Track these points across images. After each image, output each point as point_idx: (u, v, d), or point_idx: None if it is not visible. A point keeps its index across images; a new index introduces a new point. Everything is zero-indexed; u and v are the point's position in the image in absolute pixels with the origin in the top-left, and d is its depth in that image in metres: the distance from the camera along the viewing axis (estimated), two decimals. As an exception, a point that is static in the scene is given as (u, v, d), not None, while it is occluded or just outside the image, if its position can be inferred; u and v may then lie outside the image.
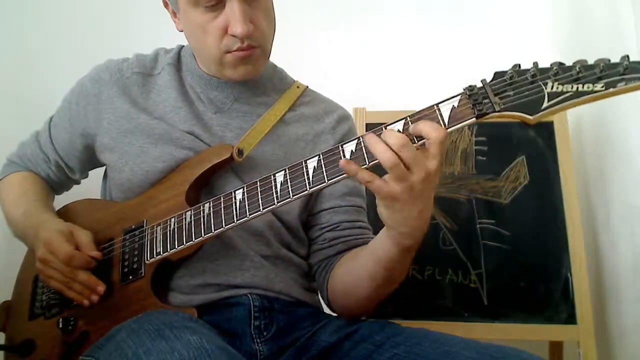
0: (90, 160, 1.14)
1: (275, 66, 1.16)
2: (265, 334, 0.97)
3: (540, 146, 1.48)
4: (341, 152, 0.83)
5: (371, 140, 0.79)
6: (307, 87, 1.16)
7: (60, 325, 1.00)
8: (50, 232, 0.97)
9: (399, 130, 0.80)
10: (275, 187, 0.87)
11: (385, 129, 0.81)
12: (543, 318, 1.38)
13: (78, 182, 1.23)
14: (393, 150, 0.77)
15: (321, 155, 0.85)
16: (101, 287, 0.96)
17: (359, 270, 0.97)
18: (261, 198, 0.88)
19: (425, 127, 0.78)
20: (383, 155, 0.77)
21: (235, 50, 0.96)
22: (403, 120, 0.81)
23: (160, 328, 0.74)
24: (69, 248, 0.95)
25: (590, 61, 0.77)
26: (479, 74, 1.86)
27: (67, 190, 1.24)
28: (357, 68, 1.80)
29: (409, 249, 0.87)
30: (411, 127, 0.80)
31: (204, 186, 1.01)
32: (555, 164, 1.46)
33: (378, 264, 0.92)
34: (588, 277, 1.38)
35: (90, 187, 1.22)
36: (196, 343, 0.70)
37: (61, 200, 1.19)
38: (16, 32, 1.82)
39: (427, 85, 1.78)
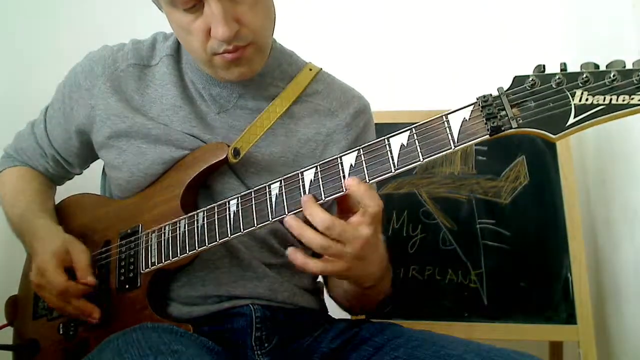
0: (90, 154, 1.08)
1: (284, 49, 1.05)
2: (266, 345, 0.94)
3: (540, 146, 1.47)
4: (340, 165, 0.78)
5: (296, 226, 0.76)
6: (321, 69, 1.06)
7: (61, 331, 0.99)
8: (44, 255, 0.92)
9: (402, 146, 0.75)
10: (270, 201, 0.82)
11: (388, 140, 0.76)
12: (543, 318, 1.37)
13: (79, 174, 1.17)
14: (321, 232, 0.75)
15: (318, 167, 0.79)
16: (95, 314, 0.92)
17: (338, 294, 1.02)
18: (255, 212, 0.83)
19: (364, 198, 0.74)
20: (313, 242, 0.75)
21: (223, 53, 0.86)
22: (408, 132, 0.75)
23: (146, 354, 0.72)
24: (62, 281, 0.90)
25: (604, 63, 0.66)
26: (481, 74, 1.85)
27: (69, 180, 1.20)
28: (359, 68, 1.79)
29: (370, 286, 0.88)
30: (351, 188, 0.75)
31: (201, 187, 0.96)
32: (555, 164, 1.45)
33: (347, 292, 0.97)
34: (588, 277, 1.37)
35: (91, 177, 1.19)
36: None
37: (63, 192, 1.17)
38: (16, 32, 1.81)
39: (430, 85, 1.77)
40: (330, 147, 1.02)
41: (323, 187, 0.78)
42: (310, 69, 1.04)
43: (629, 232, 1.32)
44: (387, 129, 1.47)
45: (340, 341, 0.94)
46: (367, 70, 1.80)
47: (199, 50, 0.88)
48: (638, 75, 0.63)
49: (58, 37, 1.80)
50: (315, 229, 0.76)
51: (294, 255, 0.78)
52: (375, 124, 1.12)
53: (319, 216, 0.75)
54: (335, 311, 1.10)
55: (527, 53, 1.76)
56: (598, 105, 0.65)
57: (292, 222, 0.77)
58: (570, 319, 1.36)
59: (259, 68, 0.94)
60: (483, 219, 1.46)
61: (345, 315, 1.18)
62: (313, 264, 0.78)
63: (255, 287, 0.95)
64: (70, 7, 1.85)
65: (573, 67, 0.70)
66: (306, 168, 0.80)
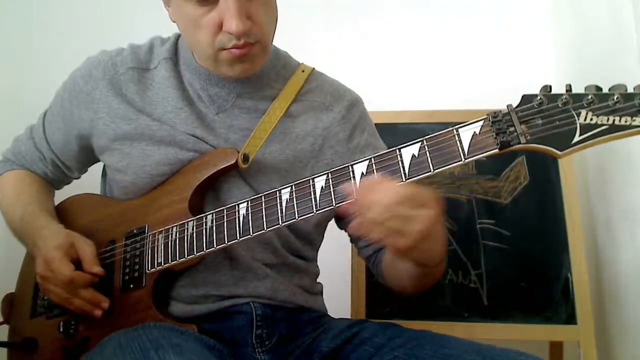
0: (89, 159, 1.10)
1: (278, 51, 1.08)
2: (267, 342, 0.96)
3: (540, 147, 1.47)
4: (351, 173, 0.80)
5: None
6: (313, 69, 1.10)
7: (61, 329, 1.00)
8: (49, 249, 0.94)
9: (413, 156, 0.77)
10: (280, 205, 0.84)
11: (399, 151, 0.78)
12: (543, 318, 1.38)
13: (78, 178, 1.19)
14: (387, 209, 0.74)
15: (330, 175, 0.82)
16: (105, 304, 0.94)
17: (400, 280, 0.99)
18: (265, 216, 0.86)
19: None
20: (377, 218, 0.74)
21: (231, 48, 0.89)
22: (419, 143, 0.78)
23: (146, 348, 0.74)
24: (69, 270, 0.92)
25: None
26: (480, 75, 1.85)
27: (67, 184, 1.21)
28: (357, 68, 1.79)
29: (437, 263, 0.88)
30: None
31: (209, 190, 0.98)
32: (555, 164, 1.46)
33: (414, 278, 0.94)
34: (588, 277, 1.38)
35: (90, 181, 1.20)
36: None
37: (62, 194, 1.18)
38: (16, 32, 1.81)
39: (428, 86, 1.77)
40: (328, 141, 1.05)
41: (334, 194, 0.81)
42: (303, 70, 1.08)
43: (629, 232, 1.33)
44: (388, 129, 1.48)
45: (340, 341, 0.96)
46: (367, 71, 1.80)
47: (205, 44, 0.90)
48: (639, 99, 0.68)
49: (57, 38, 1.80)
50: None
51: (358, 225, 0.77)
52: (376, 124, 1.13)
53: (388, 194, 0.74)
54: (335, 312, 1.11)
55: (526, 53, 1.77)
56: (602, 125, 0.69)
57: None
58: (570, 319, 1.37)
59: (259, 67, 0.97)
60: (483, 219, 1.46)
61: (345, 315, 1.19)
62: (376, 232, 0.76)
63: (256, 287, 0.98)
64: (71, 10, 1.85)
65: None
66: (317, 175, 0.83)
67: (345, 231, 1.11)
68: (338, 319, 1.06)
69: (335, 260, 1.15)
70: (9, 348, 1.07)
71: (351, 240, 1.12)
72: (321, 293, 1.12)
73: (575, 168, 1.46)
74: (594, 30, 1.48)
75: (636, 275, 1.30)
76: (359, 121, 1.08)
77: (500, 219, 1.45)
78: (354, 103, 1.09)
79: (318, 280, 1.12)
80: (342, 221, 1.08)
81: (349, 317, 1.37)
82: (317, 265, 1.12)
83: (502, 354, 0.80)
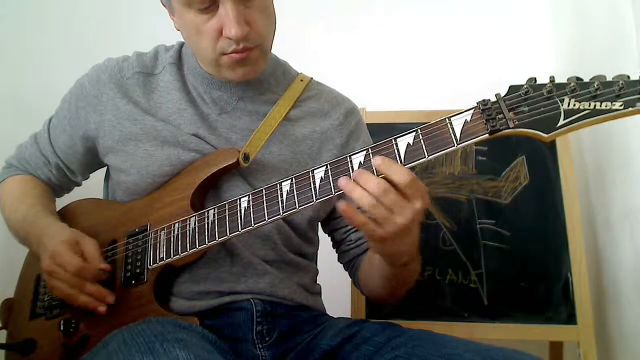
0: (93, 162, 1.12)
1: (278, 59, 1.13)
2: (267, 339, 0.97)
3: (540, 146, 1.48)
4: (349, 163, 0.83)
5: (347, 186, 0.79)
6: (311, 79, 1.14)
7: (62, 328, 1.01)
8: (55, 243, 0.95)
9: (408, 145, 0.80)
10: (281, 197, 0.87)
11: (395, 140, 0.82)
12: (543, 318, 1.39)
13: (79, 184, 1.21)
14: (374, 196, 0.77)
15: (328, 166, 0.85)
16: (110, 298, 0.95)
17: (373, 280, 1.03)
18: (266, 207, 0.89)
19: (390, 173, 0.78)
20: (363, 200, 0.78)
21: (231, 53, 0.93)
22: (414, 133, 0.81)
23: (151, 341, 0.75)
24: (77, 261, 0.93)
25: (595, 67, 0.74)
26: (479, 75, 1.86)
27: (67, 192, 1.22)
28: (357, 68, 1.81)
29: (406, 263, 0.90)
30: (373, 161, 0.79)
31: (210, 189, 1.01)
32: (555, 164, 1.48)
33: (384, 278, 0.98)
34: (588, 277, 1.39)
35: (90, 188, 1.21)
36: (184, 359, 0.71)
37: (62, 201, 1.19)
38: (16, 32, 1.81)
39: (427, 86, 1.78)
40: (326, 145, 1.08)
41: (333, 184, 0.84)
42: (302, 80, 1.12)
43: (629, 232, 1.33)
44: (386, 129, 1.48)
45: (340, 339, 0.98)
46: (366, 72, 1.81)
47: (207, 49, 0.94)
48: (618, 86, 0.73)
49: (56, 38, 1.81)
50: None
51: (345, 207, 0.80)
52: (375, 124, 1.14)
53: (374, 180, 0.78)
54: (335, 312, 1.11)
55: (526, 53, 1.78)
56: (584, 110, 0.74)
57: (343, 181, 0.80)
58: (570, 319, 1.38)
59: (260, 70, 1.00)
60: (483, 219, 1.47)
61: (345, 315, 1.19)
62: (360, 218, 0.80)
63: (256, 283, 1.00)
64: (71, 11, 1.85)
65: (567, 67, 0.73)
66: (317, 167, 0.87)
67: (329, 235, 1.15)
68: (338, 318, 1.07)
69: (335, 260, 1.15)
70: (7, 350, 1.07)
71: (333, 246, 1.15)
72: (320, 294, 1.14)
73: (575, 168, 1.47)
74: (594, 30, 1.49)
75: (636, 275, 1.31)
76: (355, 129, 1.12)
77: (500, 219, 1.47)
78: (351, 111, 1.13)
79: (318, 280, 1.14)
80: (328, 225, 1.13)
81: (349, 317, 1.37)
82: (317, 266, 1.14)
83: (502, 353, 0.81)
